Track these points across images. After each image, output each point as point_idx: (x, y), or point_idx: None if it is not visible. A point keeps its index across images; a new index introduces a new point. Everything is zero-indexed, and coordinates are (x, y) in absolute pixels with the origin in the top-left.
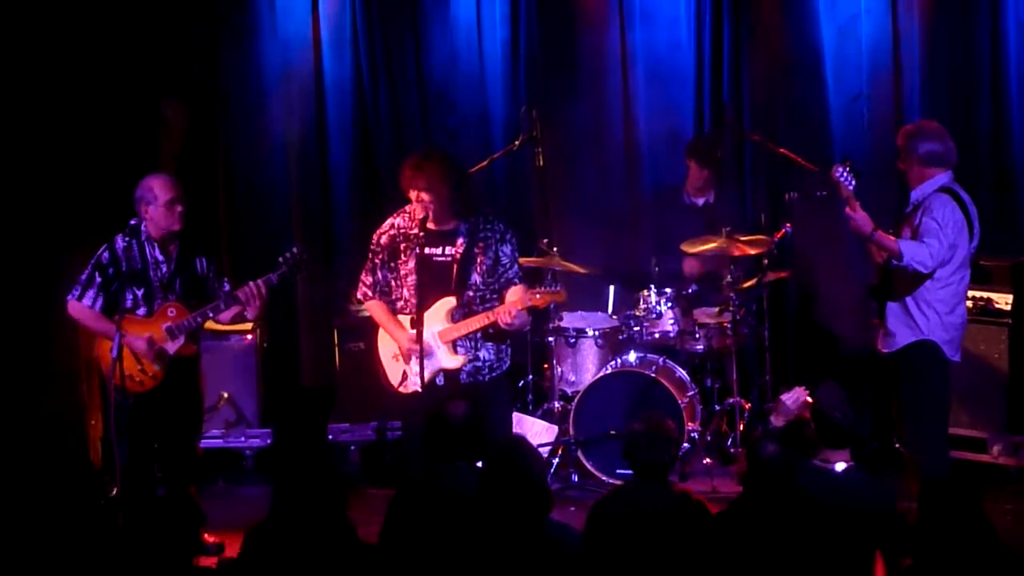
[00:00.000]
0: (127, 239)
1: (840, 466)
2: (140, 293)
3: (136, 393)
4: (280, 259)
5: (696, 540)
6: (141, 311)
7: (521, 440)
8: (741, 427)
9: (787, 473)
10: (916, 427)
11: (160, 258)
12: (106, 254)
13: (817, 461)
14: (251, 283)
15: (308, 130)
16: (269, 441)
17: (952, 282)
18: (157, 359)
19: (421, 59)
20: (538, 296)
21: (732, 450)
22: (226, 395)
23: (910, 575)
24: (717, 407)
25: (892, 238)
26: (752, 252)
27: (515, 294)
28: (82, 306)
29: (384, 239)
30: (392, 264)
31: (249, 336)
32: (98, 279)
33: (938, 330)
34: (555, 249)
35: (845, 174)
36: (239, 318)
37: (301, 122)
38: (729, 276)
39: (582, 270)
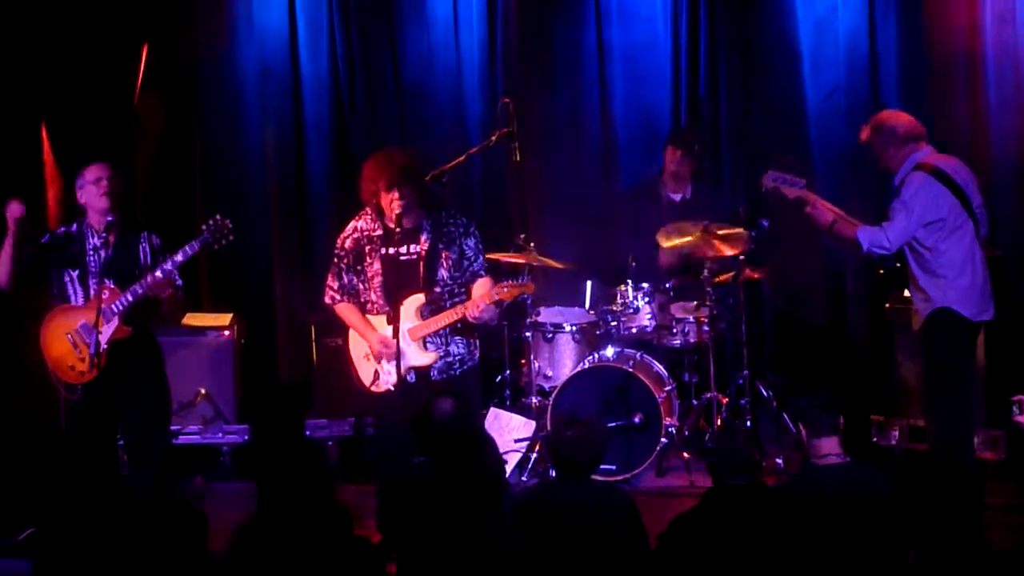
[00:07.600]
0: (69, 226)
1: (834, 459)
2: (75, 274)
3: (80, 384)
4: (203, 227)
5: (626, 536)
6: (79, 292)
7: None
8: (718, 422)
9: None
10: (931, 397)
11: (99, 244)
12: (46, 236)
13: (813, 459)
14: (153, 273)
15: (285, 125)
16: (247, 437)
17: (947, 249)
18: (95, 345)
19: (398, 54)
20: (505, 290)
21: (709, 444)
22: (204, 391)
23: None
24: (695, 402)
25: (850, 228)
26: (728, 253)
27: (481, 287)
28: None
29: (348, 243)
30: (358, 267)
31: (227, 332)
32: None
33: (950, 294)
34: (532, 244)
35: (780, 179)
36: None
37: (278, 117)
38: (706, 271)
39: (559, 265)
